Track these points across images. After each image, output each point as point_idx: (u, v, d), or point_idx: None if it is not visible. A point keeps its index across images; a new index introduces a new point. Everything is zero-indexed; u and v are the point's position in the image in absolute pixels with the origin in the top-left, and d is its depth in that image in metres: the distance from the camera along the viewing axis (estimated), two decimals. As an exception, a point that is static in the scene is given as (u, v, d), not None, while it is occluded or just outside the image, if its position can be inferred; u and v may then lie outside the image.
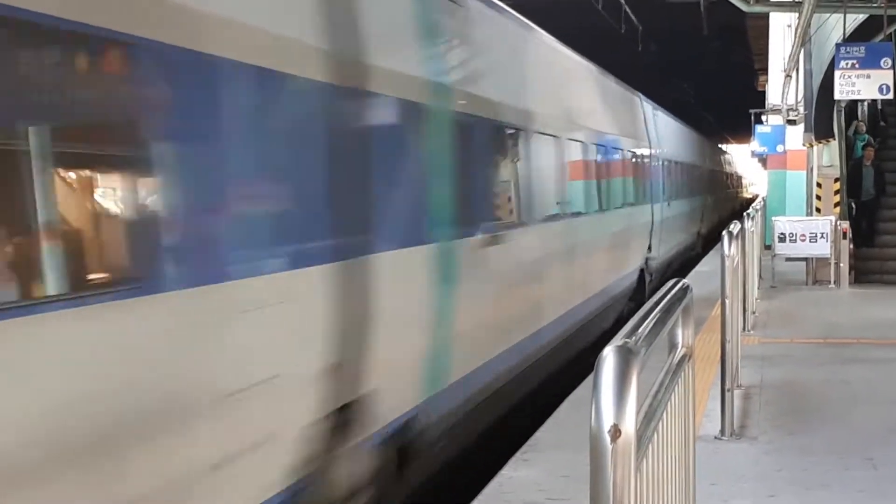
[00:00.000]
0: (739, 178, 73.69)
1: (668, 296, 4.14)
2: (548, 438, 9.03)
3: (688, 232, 31.04)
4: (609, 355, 2.85)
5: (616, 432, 2.76)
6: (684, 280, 4.57)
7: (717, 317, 9.46)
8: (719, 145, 60.07)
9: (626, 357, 2.85)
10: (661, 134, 24.94)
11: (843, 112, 21.40)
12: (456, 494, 8.96)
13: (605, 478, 2.77)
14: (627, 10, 30.94)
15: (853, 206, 21.59)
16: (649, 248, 21.34)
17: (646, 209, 21.19)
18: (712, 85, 48.80)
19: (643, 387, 2.91)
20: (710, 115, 59.65)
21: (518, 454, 8.51)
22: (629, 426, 2.78)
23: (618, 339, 3.00)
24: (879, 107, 24.31)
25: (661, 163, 24.25)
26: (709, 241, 35.50)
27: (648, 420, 3.37)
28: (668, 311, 3.91)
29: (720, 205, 47.59)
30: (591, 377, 9.64)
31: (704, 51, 40.34)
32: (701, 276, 20.88)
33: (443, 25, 9.27)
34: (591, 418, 2.80)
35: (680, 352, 4.41)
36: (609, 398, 2.78)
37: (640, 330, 3.27)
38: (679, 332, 4.46)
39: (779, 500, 7.27)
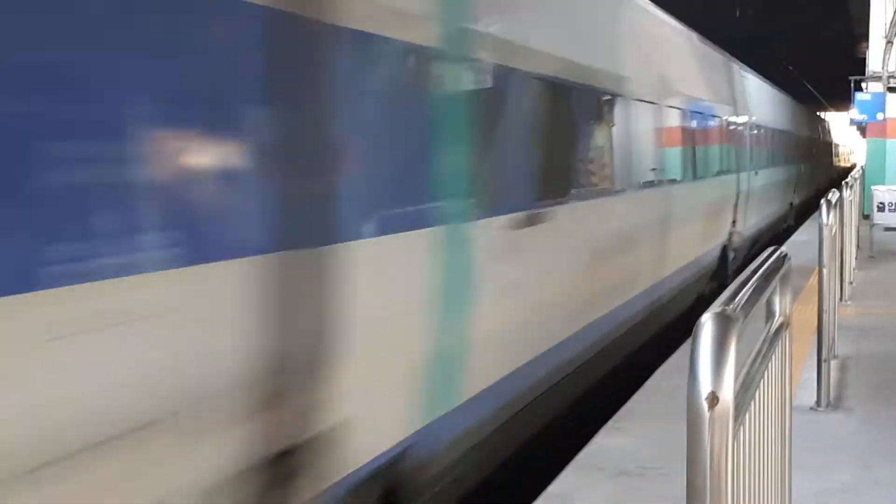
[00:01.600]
0: (836, 146, 72.61)
1: (767, 264, 4.09)
2: (640, 407, 9.00)
3: (779, 202, 29.49)
4: (707, 322, 2.82)
5: (714, 399, 2.73)
6: (783, 248, 4.52)
7: (814, 286, 9.37)
8: (816, 112, 59.22)
9: (724, 324, 2.82)
10: (751, 98, 23.59)
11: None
12: (546, 463, 8.97)
13: (702, 445, 2.75)
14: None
15: None
16: (733, 222, 19.57)
17: (730, 179, 19.11)
18: (811, 52, 48.21)
19: (740, 355, 2.88)
20: (808, 83, 58.92)
21: (611, 422, 8.50)
22: (727, 394, 2.75)
23: (716, 306, 2.97)
24: None
25: (749, 129, 22.41)
26: (802, 213, 35.08)
27: (745, 388, 3.34)
28: (766, 280, 3.87)
29: (815, 174, 46.03)
30: (679, 351, 9.58)
31: (804, 17, 39.85)
32: (798, 245, 20.63)
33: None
34: (688, 385, 2.77)
35: (777, 321, 4.37)
36: (707, 365, 2.76)
37: (738, 297, 3.24)
38: (777, 300, 4.41)
39: (875, 471, 7.19)
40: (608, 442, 7.94)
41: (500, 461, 8.07)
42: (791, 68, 50.40)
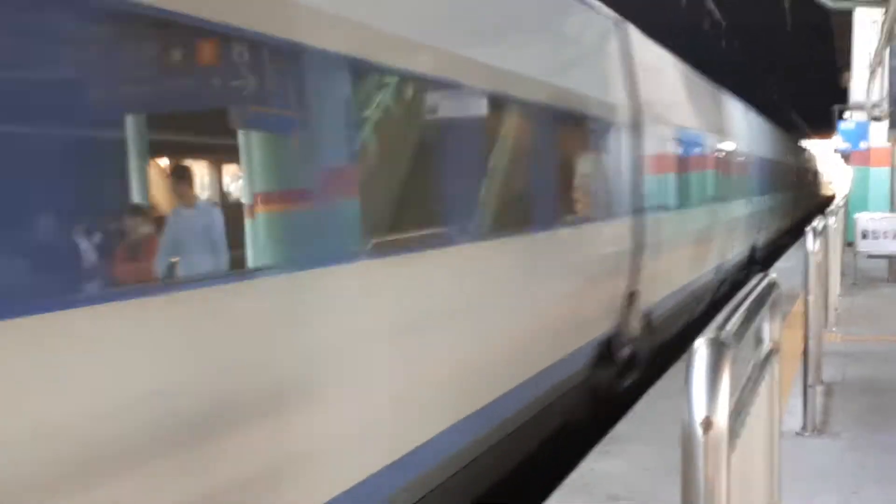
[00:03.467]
0: (817, 174, 71.55)
1: (756, 290, 4.17)
2: (628, 431, 9.06)
3: (732, 246, 23.99)
4: (701, 347, 2.90)
5: (708, 424, 2.81)
6: (772, 275, 4.59)
7: (799, 312, 9.44)
8: (793, 137, 58.83)
9: (718, 349, 2.89)
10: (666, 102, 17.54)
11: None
12: (536, 486, 9.00)
13: (696, 470, 2.82)
14: (711, 5, 30.75)
15: None
16: (630, 294, 14.90)
17: (618, 226, 12.90)
18: (795, 81, 48.37)
19: (732, 381, 2.95)
20: (793, 111, 59.08)
21: (599, 446, 8.55)
22: (721, 419, 2.83)
23: (709, 332, 3.04)
24: None
25: (670, 148, 16.68)
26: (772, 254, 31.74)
27: (737, 413, 3.41)
28: (756, 306, 3.94)
29: (793, 205, 43.02)
30: (668, 375, 9.55)
31: (788, 47, 40.02)
32: (782, 272, 20.69)
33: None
34: (683, 410, 2.84)
35: (767, 347, 4.44)
36: (701, 390, 2.83)
37: (730, 324, 3.31)
38: (766, 326, 4.49)
39: (863, 496, 7.26)
40: (597, 466, 8.00)
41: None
42: (775, 97, 50.56)
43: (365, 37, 6.34)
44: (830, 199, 56.84)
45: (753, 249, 27.92)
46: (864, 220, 20.93)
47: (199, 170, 10.45)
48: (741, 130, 26.80)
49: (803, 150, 58.94)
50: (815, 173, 70.38)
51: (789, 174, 43.57)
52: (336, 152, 6.05)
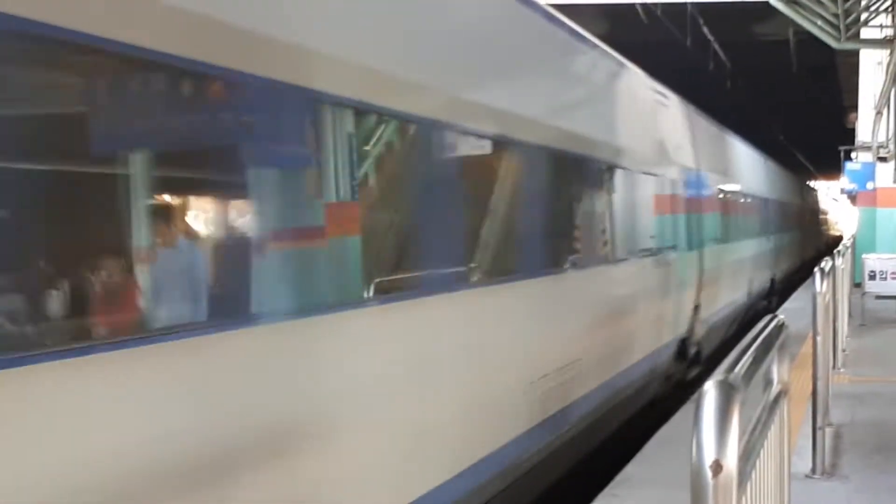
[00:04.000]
0: (823, 215, 71.00)
1: (765, 332, 4.14)
2: (637, 473, 9.01)
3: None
4: (710, 390, 2.87)
5: (717, 467, 2.78)
6: (780, 316, 4.57)
7: (808, 354, 9.41)
8: (804, 182, 58.66)
9: (727, 392, 2.87)
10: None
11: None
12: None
13: (706, 512, 2.79)
14: (717, 47, 30.84)
15: None
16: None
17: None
18: (801, 122, 48.41)
19: (741, 423, 2.93)
20: (799, 152, 59.09)
21: (608, 489, 8.51)
22: (731, 461, 2.80)
23: (718, 375, 3.02)
24: None
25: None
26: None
27: (747, 456, 3.38)
28: (765, 348, 3.92)
29: (793, 250, 39.65)
30: (675, 418, 9.51)
31: (793, 88, 40.08)
32: (790, 313, 20.59)
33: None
34: (691, 453, 2.82)
35: (776, 388, 4.41)
36: (711, 433, 2.80)
37: (739, 366, 3.29)
38: (775, 368, 4.46)
39: (872, 539, 7.22)
40: (605, 510, 7.96)
41: None
42: (781, 138, 50.60)
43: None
44: (838, 239, 56.53)
45: (773, 280, 30.62)
46: (871, 260, 20.92)
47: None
48: (760, 176, 30.41)
49: (811, 190, 58.93)
50: (823, 214, 70.34)
51: (800, 215, 44.59)
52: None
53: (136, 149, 4.64)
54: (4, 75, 3.89)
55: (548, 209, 9.74)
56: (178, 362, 4.58)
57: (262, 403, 5.17)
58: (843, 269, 14.41)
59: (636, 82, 14.70)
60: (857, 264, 22.55)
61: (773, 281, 30.77)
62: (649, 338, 13.85)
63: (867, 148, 28.94)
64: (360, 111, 6.23)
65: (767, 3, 22.76)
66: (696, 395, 2.88)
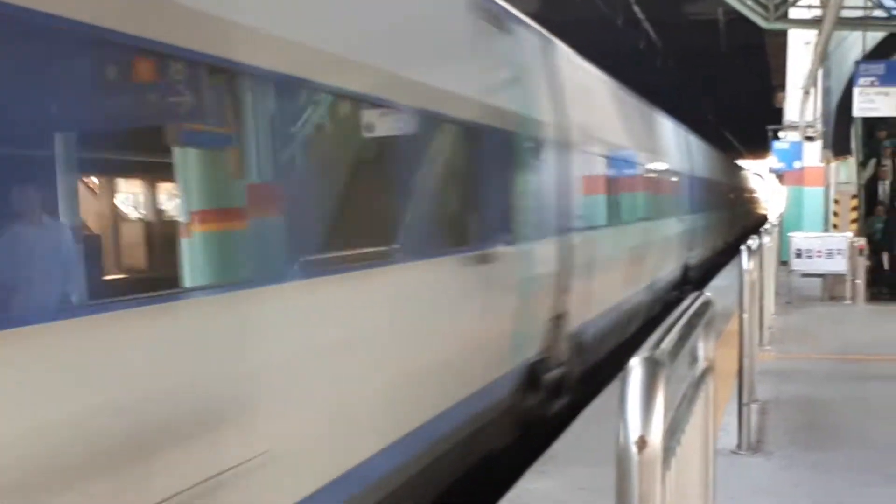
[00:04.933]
0: (751, 193, 70.62)
1: (691, 309, 4.16)
2: (564, 451, 9.04)
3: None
4: (636, 367, 2.87)
5: (642, 444, 2.78)
6: (707, 294, 4.59)
7: (734, 331, 9.47)
8: (732, 160, 58.58)
9: (653, 368, 2.87)
10: None
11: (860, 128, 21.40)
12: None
13: (631, 489, 2.79)
14: (647, 27, 30.95)
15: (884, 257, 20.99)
16: None
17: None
18: (730, 101, 48.71)
19: (667, 399, 2.94)
20: (728, 131, 59.49)
21: (535, 466, 8.53)
22: (655, 438, 2.80)
23: (644, 351, 3.02)
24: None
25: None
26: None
27: (672, 432, 3.39)
28: (691, 325, 3.93)
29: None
30: (603, 396, 9.52)
31: (723, 67, 40.34)
32: (717, 291, 20.76)
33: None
34: (617, 429, 2.82)
35: (702, 365, 4.43)
36: (636, 409, 2.80)
37: (665, 342, 3.30)
38: (701, 345, 4.48)
39: (796, 515, 7.29)
40: (533, 486, 7.97)
41: None
42: (710, 117, 50.90)
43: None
44: (765, 218, 56.67)
45: (686, 268, 27.20)
46: (798, 239, 21.11)
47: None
48: (672, 148, 26.17)
49: (738, 169, 59.12)
50: (751, 193, 70.48)
51: (724, 193, 43.13)
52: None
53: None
54: None
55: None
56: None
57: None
58: (770, 247, 14.52)
59: None
60: (783, 243, 22.77)
61: (686, 269, 27.05)
62: (457, 374, 9.32)
63: (795, 127, 29.17)
64: None
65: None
66: (622, 373, 2.88)
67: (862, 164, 22.91)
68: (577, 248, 13.44)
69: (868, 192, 22.54)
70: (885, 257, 20.55)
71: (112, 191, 8.39)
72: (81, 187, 4.70)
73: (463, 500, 9.31)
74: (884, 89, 17.85)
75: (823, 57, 21.66)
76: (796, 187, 30.92)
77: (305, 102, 6.73)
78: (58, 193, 4.55)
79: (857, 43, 20.33)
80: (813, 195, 28.43)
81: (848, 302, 20.35)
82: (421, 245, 8.38)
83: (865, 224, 21.51)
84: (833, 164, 23.11)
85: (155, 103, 5.39)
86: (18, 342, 4.17)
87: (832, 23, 17.80)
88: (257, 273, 5.90)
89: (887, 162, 22.49)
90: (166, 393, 5.01)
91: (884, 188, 23.83)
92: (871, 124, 24.04)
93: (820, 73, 23.66)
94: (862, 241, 20.58)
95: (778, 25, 21.55)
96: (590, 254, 14.34)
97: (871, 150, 23.55)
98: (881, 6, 20.04)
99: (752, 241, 9.70)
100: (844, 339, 15.54)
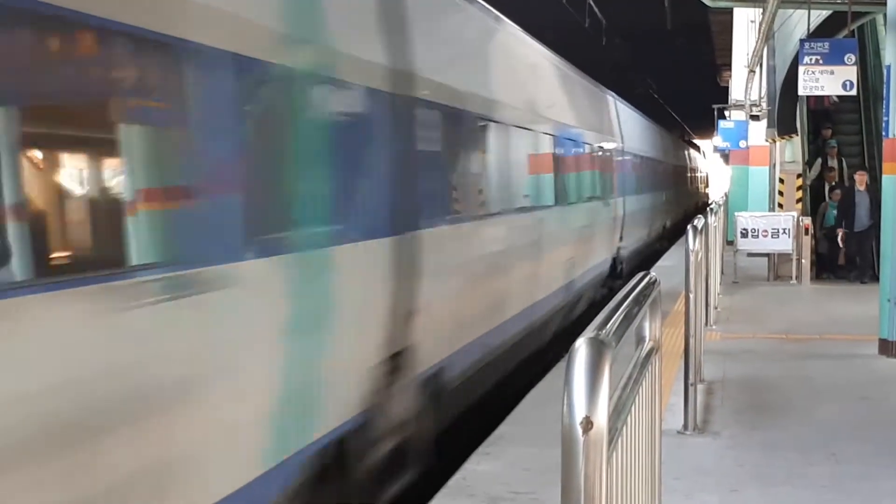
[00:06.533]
0: (696, 173, 69.35)
1: (637, 289, 4.12)
2: (510, 432, 9.01)
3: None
4: (581, 347, 2.83)
5: (588, 424, 2.74)
6: (652, 273, 4.55)
7: (680, 311, 9.48)
8: (677, 139, 58.46)
9: (598, 349, 2.83)
10: None
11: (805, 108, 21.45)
12: (419, 487, 8.91)
13: (576, 469, 2.75)
14: (592, 4, 30.95)
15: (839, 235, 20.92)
16: None
17: None
18: (676, 80, 48.92)
19: (612, 380, 2.89)
20: (674, 110, 59.73)
21: (481, 448, 8.49)
22: (601, 418, 2.76)
23: (589, 332, 2.98)
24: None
25: None
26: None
27: (618, 413, 3.36)
28: (636, 305, 3.90)
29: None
30: (549, 377, 9.41)
31: (668, 46, 40.46)
32: (663, 271, 20.83)
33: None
34: (562, 410, 2.77)
35: (647, 345, 4.41)
36: (581, 390, 2.76)
37: (611, 323, 3.26)
38: (647, 325, 4.45)
39: (742, 494, 7.28)
40: (479, 468, 7.93)
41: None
42: (656, 96, 51.07)
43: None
44: (706, 200, 56.09)
45: (614, 260, 22.41)
46: (743, 218, 21.20)
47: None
48: (592, 117, 20.87)
49: (682, 148, 58.84)
50: (696, 172, 69.79)
51: (666, 173, 39.38)
52: None
53: None
54: None
55: None
56: None
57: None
58: (715, 226, 14.56)
59: None
60: (729, 222, 22.86)
61: (614, 261, 22.41)
62: None
63: (740, 106, 29.28)
64: None
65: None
66: (568, 354, 2.83)
67: (808, 164, 22.94)
68: (431, 251, 9.03)
69: (813, 193, 22.56)
70: (840, 234, 20.55)
71: (50, 169, 8.22)
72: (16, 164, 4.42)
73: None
74: (828, 67, 17.88)
75: (768, 36, 21.70)
76: (742, 167, 31.08)
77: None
78: None
79: (801, 21, 20.35)
80: (758, 174, 28.58)
81: (793, 282, 20.45)
82: None
83: (819, 217, 21.46)
84: (778, 143, 23.19)
85: None
86: None
87: (777, 1, 17.82)
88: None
89: (833, 164, 22.48)
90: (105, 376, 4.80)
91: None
92: (817, 122, 24.10)
93: (765, 51, 23.72)
94: (807, 221, 20.66)
95: (722, 4, 21.66)
96: (455, 257, 10.07)
97: (817, 148, 23.56)
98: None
99: (698, 221, 9.69)
100: (790, 319, 15.59)
